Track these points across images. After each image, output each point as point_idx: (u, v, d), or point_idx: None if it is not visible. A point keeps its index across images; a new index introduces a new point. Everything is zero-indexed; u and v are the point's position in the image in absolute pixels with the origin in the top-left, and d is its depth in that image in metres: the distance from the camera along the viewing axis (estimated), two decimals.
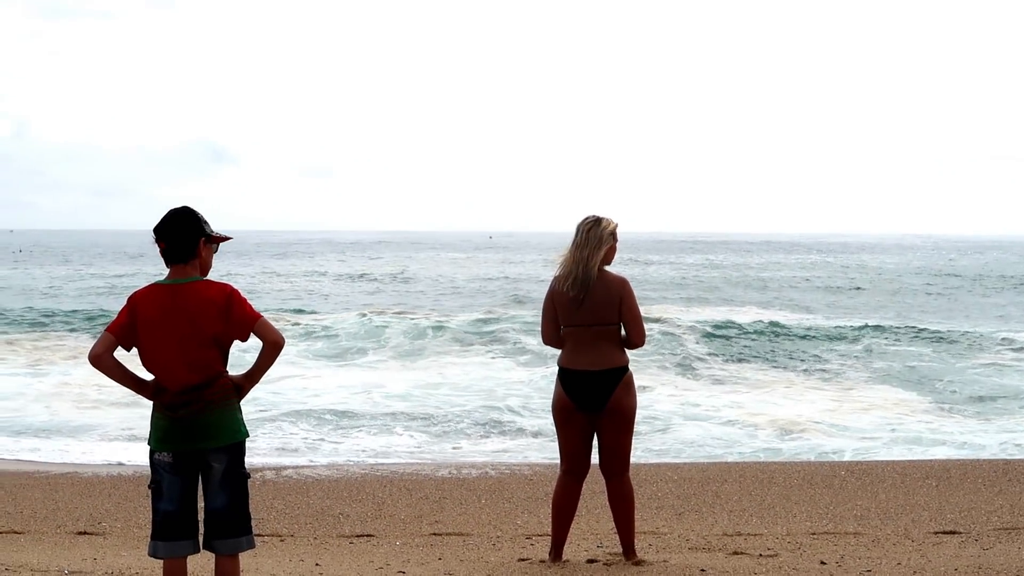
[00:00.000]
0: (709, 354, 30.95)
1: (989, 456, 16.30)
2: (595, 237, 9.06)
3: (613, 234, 9.14)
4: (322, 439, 18.57)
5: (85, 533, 11.50)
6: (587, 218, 9.17)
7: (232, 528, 6.57)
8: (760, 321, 38.68)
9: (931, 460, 15.89)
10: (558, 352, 9.32)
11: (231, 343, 6.50)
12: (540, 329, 9.45)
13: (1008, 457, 16.01)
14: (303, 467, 15.62)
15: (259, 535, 11.27)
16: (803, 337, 34.40)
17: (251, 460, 15.15)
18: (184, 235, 6.48)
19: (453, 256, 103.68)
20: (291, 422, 19.83)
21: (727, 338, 34.00)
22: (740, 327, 36.39)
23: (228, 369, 6.56)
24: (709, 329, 35.32)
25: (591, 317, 9.06)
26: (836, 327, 37.11)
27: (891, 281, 72.00)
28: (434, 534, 11.57)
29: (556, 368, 9.34)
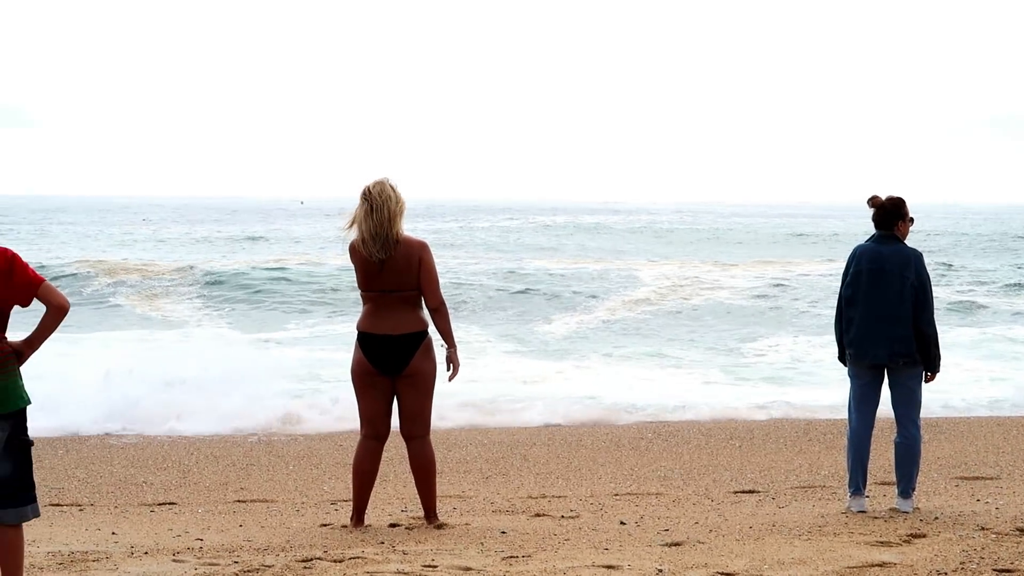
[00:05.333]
0: None
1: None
2: (391, 199, 9.04)
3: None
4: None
5: None
6: (375, 182, 9.12)
7: (16, 497, 6.41)
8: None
9: (736, 421, 16.18)
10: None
11: (11, 308, 6.34)
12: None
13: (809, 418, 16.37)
14: (108, 435, 15.32)
15: (58, 504, 11.08)
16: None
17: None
18: None
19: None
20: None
21: None
22: None
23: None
24: None
25: (392, 282, 9.05)
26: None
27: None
28: (238, 501, 11.48)
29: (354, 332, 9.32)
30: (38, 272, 6.41)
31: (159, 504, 11.34)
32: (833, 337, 10.40)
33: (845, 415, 10.46)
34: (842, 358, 10.22)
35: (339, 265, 40.14)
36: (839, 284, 10.25)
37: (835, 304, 10.38)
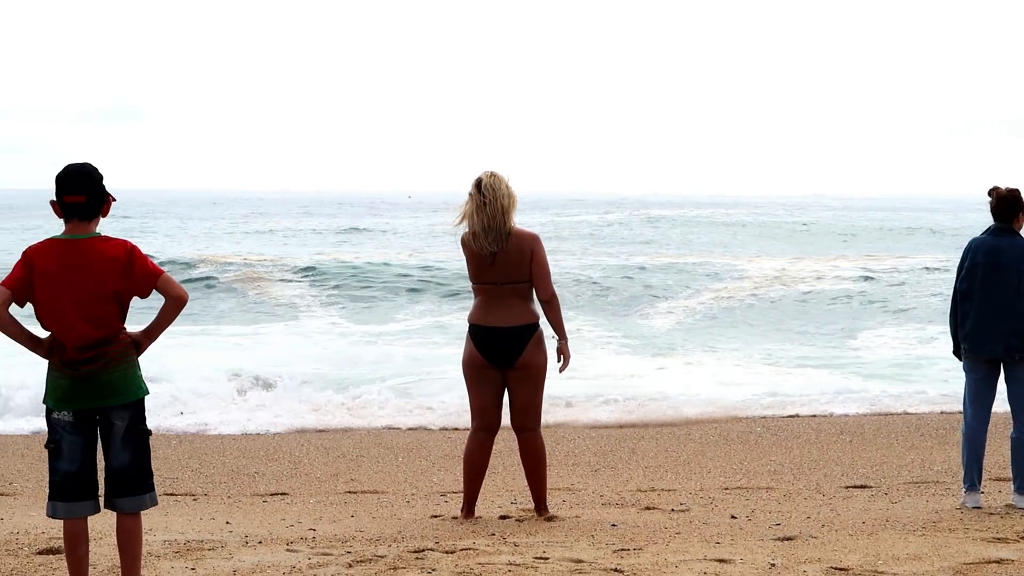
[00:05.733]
0: None
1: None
2: (503, 192, 9.06)
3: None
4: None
5: None
6: (486, 174, 9.14)
7: (135, 486, 6.51)
8: None
9: (846, 416, 16.01)
10: None
11: (131, 299, 6.43)
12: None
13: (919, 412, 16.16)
14: (220, 426, 15.50)
15: (172, 494, 11.23)
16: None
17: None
18: (100, 190, 6.39)
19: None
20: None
21: None
22: None
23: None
24: None
25: (504, 275, 9.07)
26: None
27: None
28: (349, 492, 11.56)
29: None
30: (157, 264, 6.51)
31: (271, 494, 11.45)
32: (948, 331, 10.25)
33: (957, 409, 10.32)
34: (957, 352, 10.08)
35: (442, 258, 40.31)
36: (953, 278, 10.11)
37: (949, 298, 10.24)
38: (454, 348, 19.39)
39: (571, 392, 16.36)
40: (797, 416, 16.02)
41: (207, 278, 37.08)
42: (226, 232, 69.81)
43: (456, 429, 14.78)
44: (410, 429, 15.38)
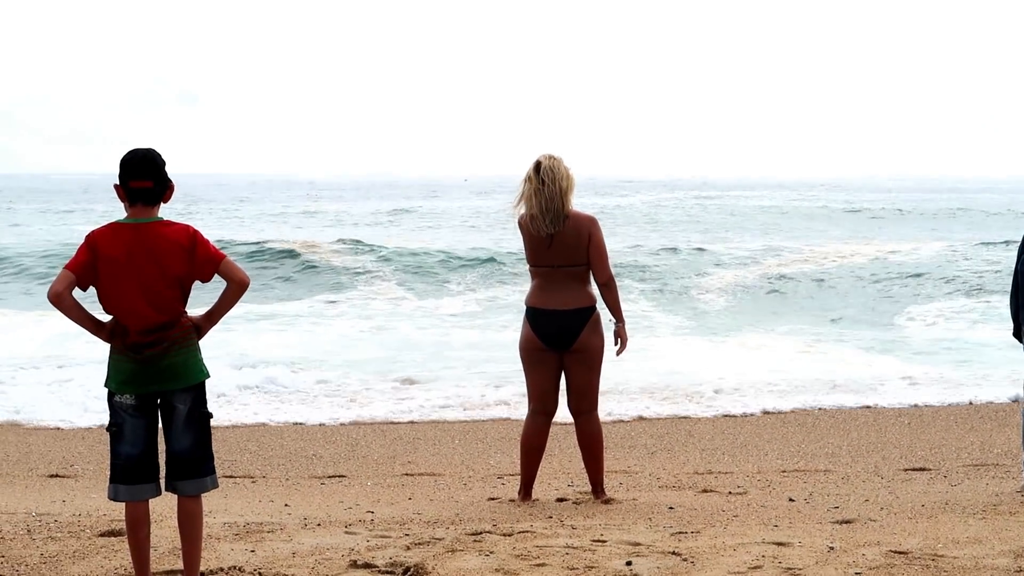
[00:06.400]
0: None
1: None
2: (562, 175, 9.06)
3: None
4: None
5: (57, 476, 11.52)
6: (545, 157, 9.13)
7: (196, 468, 6.54)
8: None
9: (902, 405, 15.84)
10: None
11: (193, 283, 6.47)
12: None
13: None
14: (278, 411, 15.58)
15: (231, 476, 11.30)
16: None
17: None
18: (163, 176, 6.43)
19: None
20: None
21: None
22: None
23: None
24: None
25: (561, 257, 9.07)
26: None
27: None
28: (406, 474, 11.60)
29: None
30: (219, 248, 6.54)
31: (329, 477, 11.51)
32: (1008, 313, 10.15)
33: (1018, 393, 10.23)
34: (1017, 334, 9.99)
35: (494, 240, 40.21)
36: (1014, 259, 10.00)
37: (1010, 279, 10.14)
38: (511, 332, 19.40)
39: (627, 378, 16.29)
40: (850, 398, 15.92)
41: (276, 257, 37.10)
42: (280, 215, 70.11)
43: (508, 420, 14.71)
44: (465, 411, 15.38)
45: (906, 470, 11.50)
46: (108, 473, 6.59)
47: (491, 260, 35.90)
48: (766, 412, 15.01)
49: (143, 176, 6.36)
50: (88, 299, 6.34)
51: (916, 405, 15.45)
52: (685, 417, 14.90)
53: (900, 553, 7.35)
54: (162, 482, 6.54)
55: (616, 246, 40.59)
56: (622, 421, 14.32)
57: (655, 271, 34.99)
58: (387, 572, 6.92)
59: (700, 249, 40.92)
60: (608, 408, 14.05)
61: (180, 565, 6.77)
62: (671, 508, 9.25)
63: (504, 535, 7.91)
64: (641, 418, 14.75)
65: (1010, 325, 10.12)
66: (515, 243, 9.77)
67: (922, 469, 11.51)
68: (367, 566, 7.02)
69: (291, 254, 37.73)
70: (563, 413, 9.64)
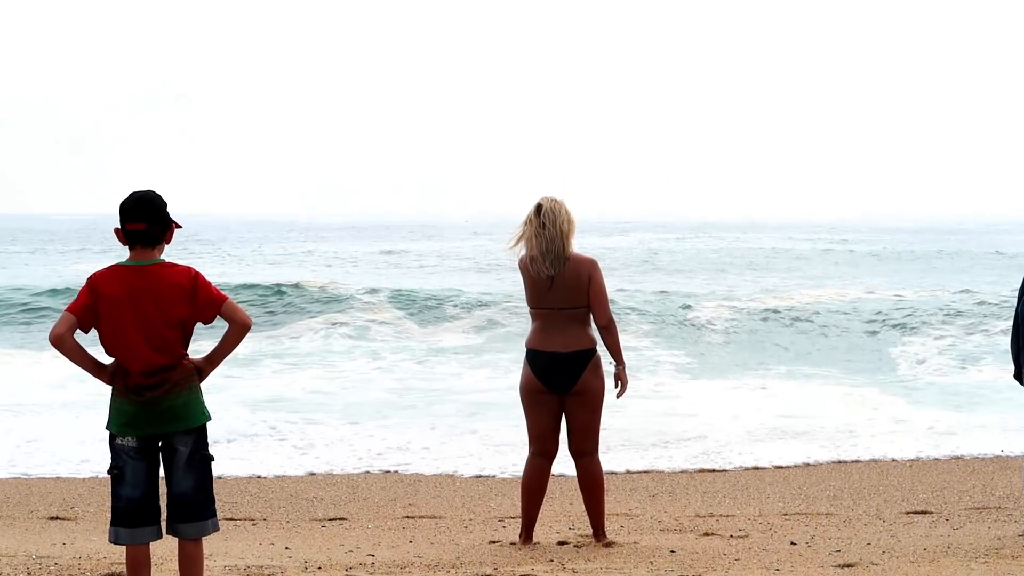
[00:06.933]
0: None
1: None
2: (563, 218, 9.08)
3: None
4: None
5: (57, 518, 11.49)
6: (546, 199, 9.17)
7: (197, 511, 6.55)
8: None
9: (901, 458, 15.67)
10: None
11: (195, 325, 6.49)
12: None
13: None
14: (278, 453, 15.55)
15: (232, 519, 11.28)
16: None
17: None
18: (162, 218, 6.46)
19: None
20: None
21: None
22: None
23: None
24: None
25: (562, 299, 9.08)
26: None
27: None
28: (407, 517, 11.57)
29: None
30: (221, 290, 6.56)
31: (329, 519, 11.48)
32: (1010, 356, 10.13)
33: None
34: (1018, 376, 9.97)
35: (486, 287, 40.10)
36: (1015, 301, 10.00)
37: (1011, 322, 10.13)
38: (511, 377, 19.38)
39: (629, 425, 16.23)
40: (854, 444, 15.87)
41: (281, 300, 36.83)
42: (278, 255, 70.14)
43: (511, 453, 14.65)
44: (468, 454, 15.34)
45: (908, 513, 11.48)
46: (109, 516, 6.59)
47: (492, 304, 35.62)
48: (774, 465, 14.83)
49: (137, 219, 6.41)
50: (90, 342, 6.35)
51: (917, 447, 15.37)
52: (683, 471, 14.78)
53: None
54: (163, 525, 6.54)
55: (614, 286, 40.56)
56: (630, 472, 14.18)
57: (652, 312, 34.88)
58: None
59: (693, 292, 40.86)
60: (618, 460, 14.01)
61: None
62: (672, 551, 9.23)
63: None
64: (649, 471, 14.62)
65: (1011, 367, 10.11)
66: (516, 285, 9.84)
67: (924, 512, 11.49)
68: None
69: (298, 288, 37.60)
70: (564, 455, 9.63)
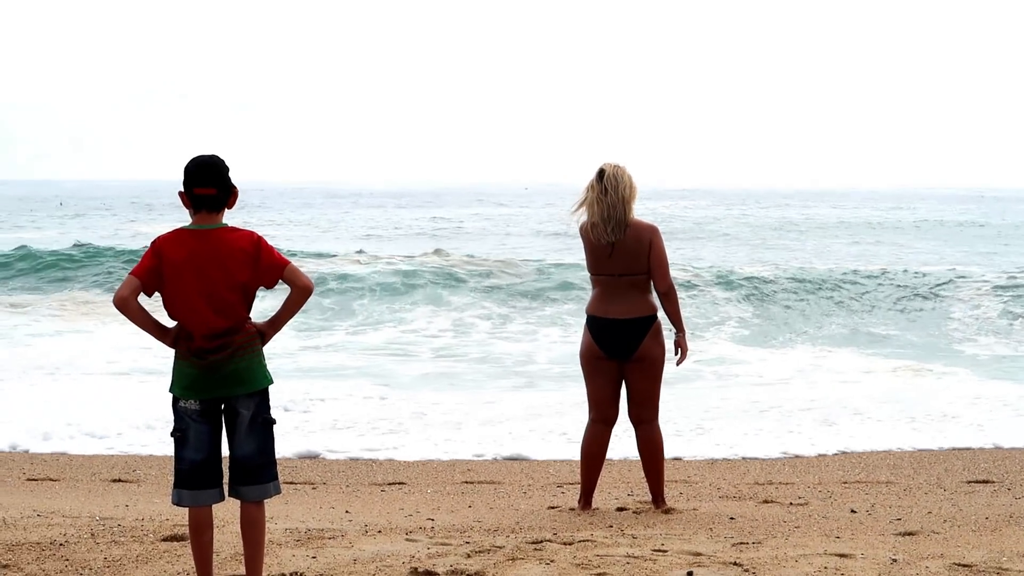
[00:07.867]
0: None
1: None
2: (625, 184, 9.05)
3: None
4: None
5: (120, 480, 11.60)
6: (609, 165, 9.13)
7: (260, 474, 6.57)
8: None
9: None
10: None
11: (257, 289, 6.50)
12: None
13: None
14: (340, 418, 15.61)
15: (292, 483, 11.34)
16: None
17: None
18: (227, 182, 6.47)
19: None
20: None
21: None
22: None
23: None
24: None
25: (622, 266, 9.06)
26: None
27: None
28: (466, 482, 11.59)
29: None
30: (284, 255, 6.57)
31: (389, 484, 11.52)
32: None
33: None
34: None
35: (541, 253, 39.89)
36: None
37: None
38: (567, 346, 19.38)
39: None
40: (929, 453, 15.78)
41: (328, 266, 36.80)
42: (334, 226, 70.28)
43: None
44: (527, 419, 15.34)
45: (969, 482, 11.40)
46: (171, 478, 6.63)
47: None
48: (842, 452, 14.64)
49: (206, 183, 6.41)
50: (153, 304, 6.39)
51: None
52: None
53: (964, 566, 7.28)
54: (225, 487, 6.58)
55: (675, 256, 40.42)
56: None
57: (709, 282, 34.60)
58: None
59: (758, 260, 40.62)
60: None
61: (242, 570, 6.81)
62: (732, 518, 9.21)
63: (564, 544, 7.89)
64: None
65: None
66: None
67: (985, 481, 11.41)
68: (428, 573, 7.04)
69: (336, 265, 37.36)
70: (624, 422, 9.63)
